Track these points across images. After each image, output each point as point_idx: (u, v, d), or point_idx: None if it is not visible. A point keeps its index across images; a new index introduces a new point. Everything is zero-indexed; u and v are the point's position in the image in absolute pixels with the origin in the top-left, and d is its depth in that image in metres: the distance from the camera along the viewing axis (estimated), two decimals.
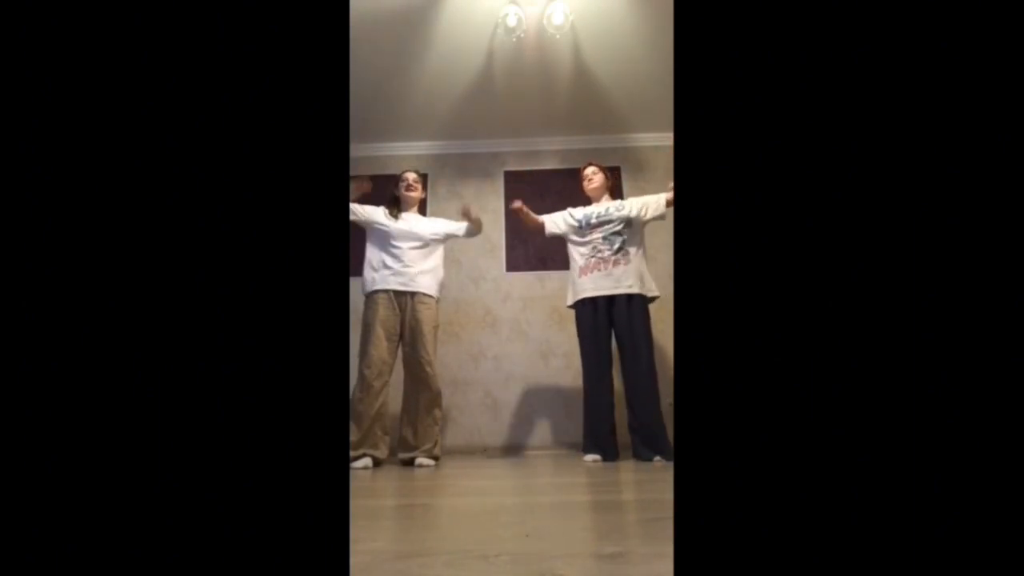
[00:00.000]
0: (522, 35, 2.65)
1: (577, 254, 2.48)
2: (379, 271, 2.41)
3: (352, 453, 2.18)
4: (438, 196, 3.66)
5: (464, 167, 3.72)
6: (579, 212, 2.54)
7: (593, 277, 2.38)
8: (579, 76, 3.03)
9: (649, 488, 1.30)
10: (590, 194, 2.59)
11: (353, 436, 2.20)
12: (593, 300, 2.35)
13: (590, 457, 2.23)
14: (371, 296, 2.40)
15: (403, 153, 3.75)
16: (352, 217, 2.44)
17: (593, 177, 2.58)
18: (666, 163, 3.57)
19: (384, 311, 2.35)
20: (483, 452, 3.04)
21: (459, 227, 2.59)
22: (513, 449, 3.09)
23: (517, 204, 2.49)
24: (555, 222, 2.58)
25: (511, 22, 2.53)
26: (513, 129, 3.57)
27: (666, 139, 3.62)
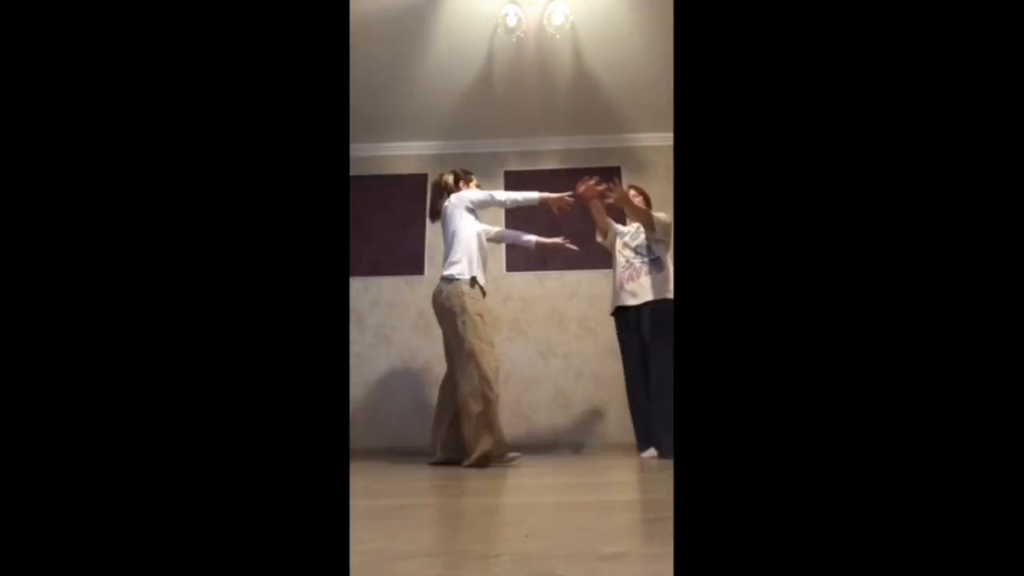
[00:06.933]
0: (522, 35, 2.65)
1: (617, 265, 2.63)
2: (478, 261, 2.39)
3: (501, 460, 2.17)
4: None
5: (464, 167, 3.71)
6: (622, 230, 2.68)
7: (629, 287, 2.52)
8: (579, 76, 3.03)
9: (649, 488, 1.30)
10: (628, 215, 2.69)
11: (488, 445, 2.14)
12: (625, 309, 2.51)
13: (647, 454, 2.38)
14: (477, 287, 2.36)
15: (403, 153, 3.75)
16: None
17: (634, 200, 2.66)
18: (666, 163, 3.57)
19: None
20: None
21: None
22: (513, 449, 3.08)
23: (592, 190, 2.50)
24: (614, 235, 2.68)
25: (511, 22, 2.53)
26: (513, 129, 3.57)
27: (666, 139, 3.62)
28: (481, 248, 2.42)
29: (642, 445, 2.46)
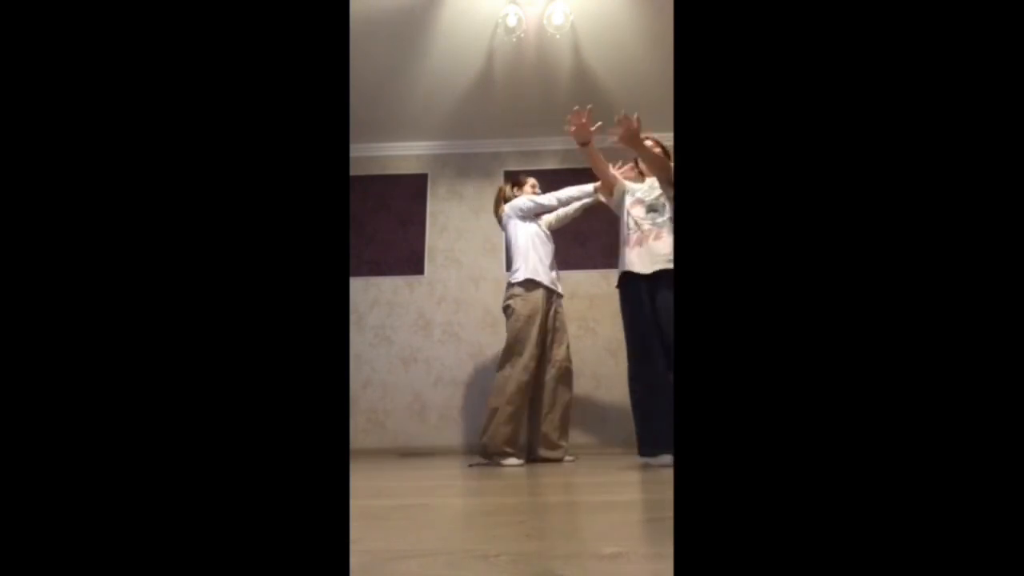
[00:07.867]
0: (522, 35, 2.65)
1: (623, 227, 2.25)
2: (536, 261, 2.50)
3: (494, 458, 2.34)
4: (438, 196, 3.67)
5: (464, 167, 3.72)
6: (633, 186, 2.33)
7: (636, 252, 2.16)
8: (579, 76, 3.04)
9: (649, 488, 1.30)
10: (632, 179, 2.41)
11: (484, 440, 2.39)
12: (636, 276, 2.13)
13: (658, 460, 1.96)
14: (538, 288, 2.46)
15: (403, 153, 3.75)
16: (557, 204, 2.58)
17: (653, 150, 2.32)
18: None
19: (541, 311, 2.45)
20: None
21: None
22: (513, 454, 3.08)
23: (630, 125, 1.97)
24: (622, 192, 2.30)
25: (511, 22, 2.53)
26: (513, 129, 3.57)
27: (666, 139, 3.62)
28: (538, 247, 2.53)
29: (652, 449, 1.98)
